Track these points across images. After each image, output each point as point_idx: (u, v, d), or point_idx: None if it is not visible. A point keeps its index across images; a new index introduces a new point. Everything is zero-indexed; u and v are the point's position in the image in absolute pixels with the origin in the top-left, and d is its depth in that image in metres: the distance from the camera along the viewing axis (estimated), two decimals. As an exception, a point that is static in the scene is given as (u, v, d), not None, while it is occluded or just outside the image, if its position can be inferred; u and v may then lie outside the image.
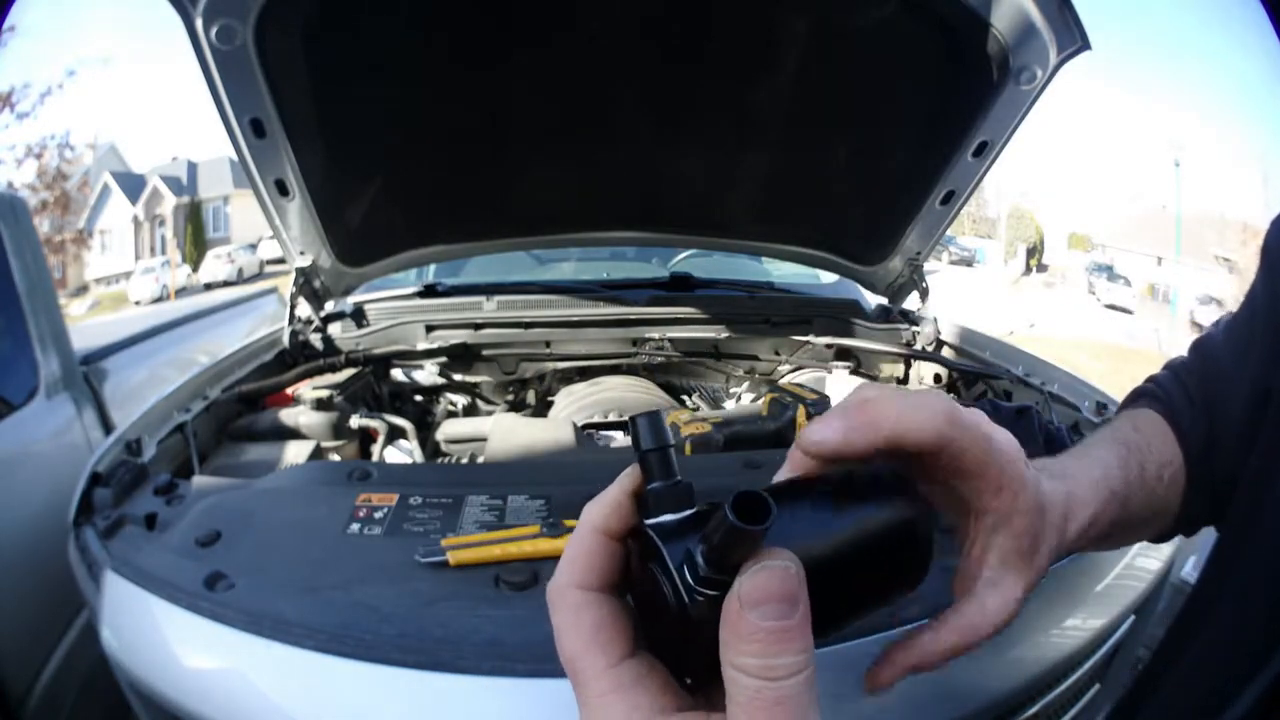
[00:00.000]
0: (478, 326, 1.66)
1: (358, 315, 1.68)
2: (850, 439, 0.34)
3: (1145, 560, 0.86)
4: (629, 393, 1.58)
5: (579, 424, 1.36)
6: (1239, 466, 0.47)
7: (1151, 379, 0.58)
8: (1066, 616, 0.76)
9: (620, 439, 1.40)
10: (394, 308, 1.70)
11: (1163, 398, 0.54)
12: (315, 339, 1.54)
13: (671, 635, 0.28)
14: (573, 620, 0.31)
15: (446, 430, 1.37)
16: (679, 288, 1.80)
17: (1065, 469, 0.43)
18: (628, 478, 0.32)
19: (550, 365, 1.72)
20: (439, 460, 1.35)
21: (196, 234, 18.47)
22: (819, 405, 1.23)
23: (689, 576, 0.27)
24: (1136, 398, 0.57)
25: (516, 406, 1.73)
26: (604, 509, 0.31)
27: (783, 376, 1.77)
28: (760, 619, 0.25)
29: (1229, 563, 0.47)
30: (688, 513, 0.29)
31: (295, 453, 1.19)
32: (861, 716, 0.61)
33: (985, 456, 0.36)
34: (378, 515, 0.82)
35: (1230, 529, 0.48)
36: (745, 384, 1.81)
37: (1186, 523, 0.51)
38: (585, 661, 0.29)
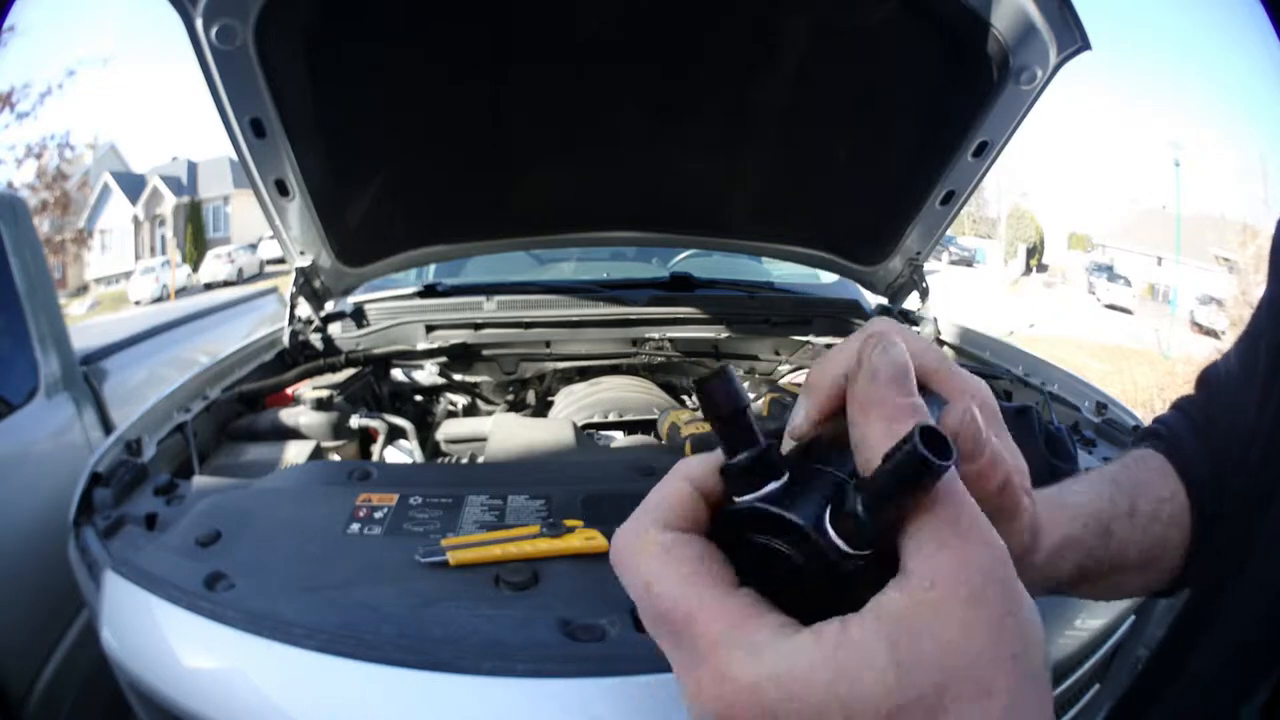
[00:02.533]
0: (478, 326, 1.66)
1: (358, 315, 1.68)
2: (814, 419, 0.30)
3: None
4: (629, 393, 1.58)
5: (579, 424, 1.36)
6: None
7: (1158, 419, 0.56)
8: (1067, 617, 0.76)
9: (620, 439, 1.40)
10: (394, 308, 1.70)
11: (1165, 435, 0.53)
12: (315, 339, 1.54)
13: (804, 605, 0.25)
14: (665, 561, 0.26)
15: (446, 430, 1.37)
16: (679, 288, 1.80)
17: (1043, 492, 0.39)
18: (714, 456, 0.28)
19: (550, 365, 1.72)
20: (439, 460, 1.35)
21: (196, 234, 18.46)
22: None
23: (837, 539, 0.24)
24: (1141, 438, 0.55)
25: (516, 406, 1.73)
26: (703, 465, 0.28)
27: (783, 376, 1.77)
28: None
29: (1234, 560, 0.46)
30: (780, 483, 0.26)
31: (295, 453, 1.19)
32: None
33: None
34: (378, 515, 0.82)
35: (1235, 525, 0.47)
36: (745, 384, 1.81)
37: (1196, 562, 0.48)
38: (695, 600, 0.25)
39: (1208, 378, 0.55)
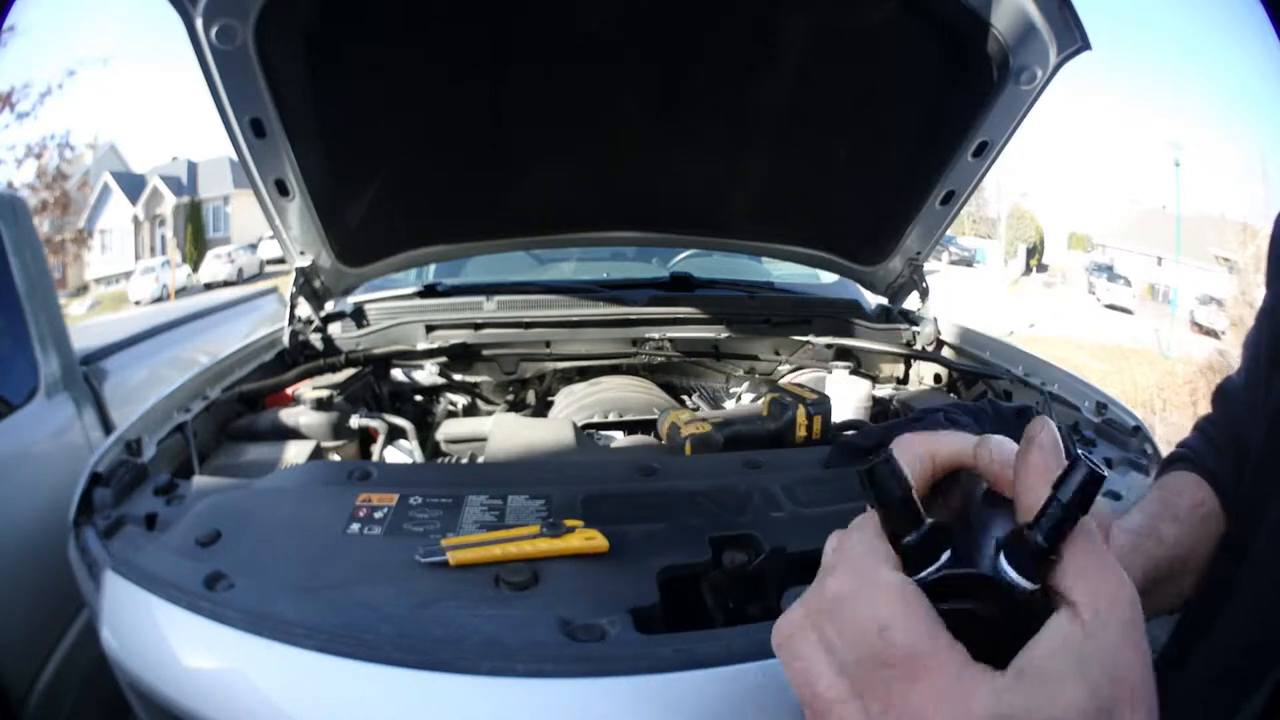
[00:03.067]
0: (478, 326, 1.66)
1: (358, 315, 1.68)
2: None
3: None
4: (629, 393, 1.58)
5: (579, 424, 1.35)
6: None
7: (1181, 443, 0.61)
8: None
9: (620, 439, 1.40)
10: (394, 308, 1.70)
11: (1190, 456, 0.57)
12: (315, 339, 1.54)
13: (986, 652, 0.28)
14: (906, 603, 0.28)
15: (446, 430, 1.37)
16: (679, 288, 1.80)
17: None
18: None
19: (550, 365, 1.72)
20: (439, 460, 1.35)
21: (196, 234, 18.47)
22: (819, 405, 1.23)
23: (1019, 579, 0.27)
24: (1168, 464, 0.60)
25: (516, 406, 1.73)
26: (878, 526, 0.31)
27: (783, 376, 1.77)
28: None
29: (1233, 562, 0.47)
30: (949, 552, 0.29)
31: (295, 453, 1.18)
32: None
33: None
34: (378, 515, 0.82)
35: (1236, 526, 0.48)
36: (745, 384, 1.81)
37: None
38: (939, 642, 0.27)
39: (1225, 391, 0.58)
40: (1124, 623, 0.26)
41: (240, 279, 16.24)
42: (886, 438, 0.94)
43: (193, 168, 19.41)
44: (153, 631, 0.69)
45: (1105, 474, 0.26)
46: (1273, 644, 0.43)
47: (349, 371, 1.50)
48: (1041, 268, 20.99)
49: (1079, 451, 0.28)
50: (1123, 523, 0.48)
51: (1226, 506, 0.52)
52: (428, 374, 1.64)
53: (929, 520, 0.29)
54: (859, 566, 0.30)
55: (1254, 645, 0.44)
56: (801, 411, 1.22)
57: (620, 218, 1.66)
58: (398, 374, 1.66)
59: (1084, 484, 0.27)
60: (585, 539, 0.75)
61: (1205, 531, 0.52)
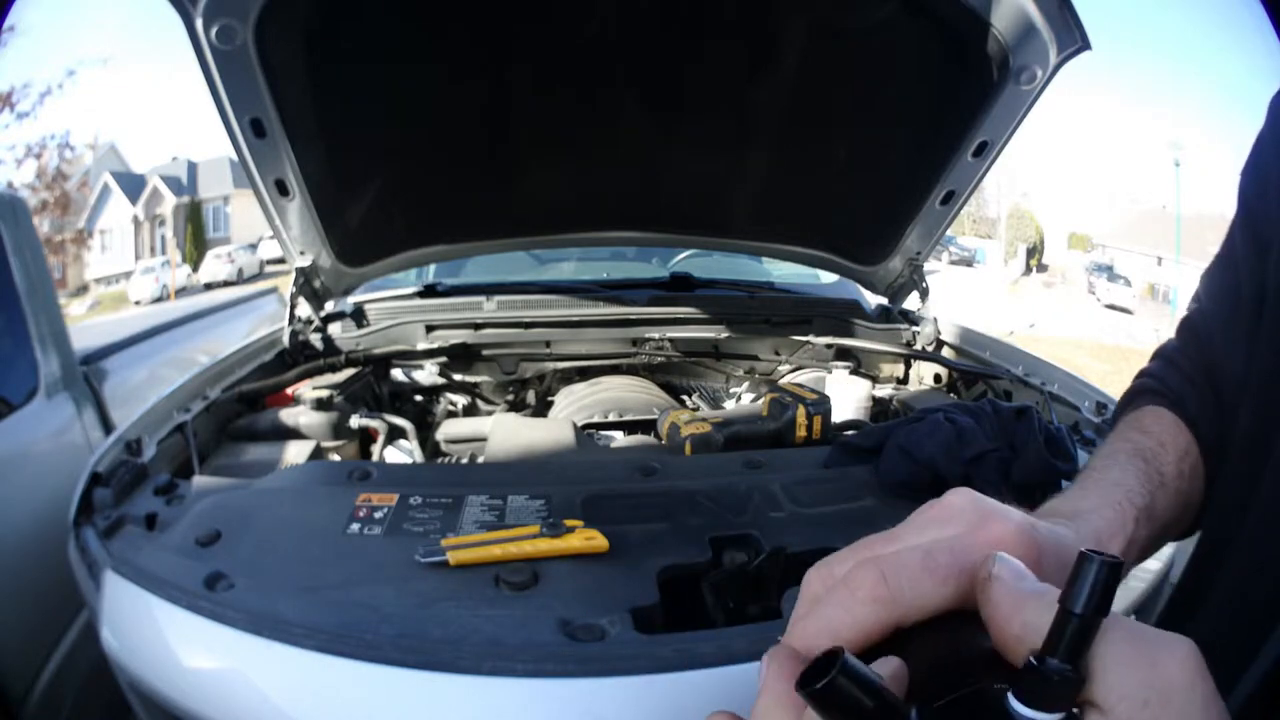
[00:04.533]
0: (478, 326, 1.66)
1: (358, 315, 1.68)
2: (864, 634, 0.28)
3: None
4: (629, 393, 1.58)
5: (579, 424, 1.35)
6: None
7: (1145, 373, 0.56)
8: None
9: (620, 439, 1.40)
10: (394, 308, 1.70)
11: (1162, 390, 0.53)
12: (315, 339, 1.54)
13: None
14: None
15: (446, 430, 1.37)
16: (679, 288, 1.80)
17: (1079, 507, 0.40)
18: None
19: (550, 365, 1.72)
20: (439, 460, 1.35)
21: (196, 234, 18.47)
22: (819, 405, 1.23)
23: (1042, 716, 0.23)
24: (1135, 395, 0.55)
25: (516, 406, 1.73)
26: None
27: (783, 376, 1.77)
28: None
29: (1236, 517, 0.45)
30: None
31: (295, 453, 1.18)
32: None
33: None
34: (378, 515, 0.82)
35: (1234, 479, 0.46)
36: (745, 384, 1.81)
37: (1208, 512, 0.50)
38: None
39: (1192, 324, 0.54)
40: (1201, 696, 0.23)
41: (240, 279, 16.24)
42: (886, 438, 0.94)
43: (193, 168, 19.42)
44: (153, 631, 0.69)
45: (1121, 559, 0.23)
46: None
47: (349, 371, 1.50)
48: (1041, 268, 21.00)
49: (1085, 550, 0.23)
50: (1109, 492, 0.42)
51: (1207, 454, 0.49)
52: (428, 374, 1.64)
53: (901, 704, 0.24)
54: None
55: (1262, 600, 0.42)
56: (801, 411, 1.22)
57: (620, 218, 1.66)
58: (398, 374, 1.66)
59: (1104, 582, 0.23)
60: (585, 539, 0.75)
61: (1193, 489, 0.48)
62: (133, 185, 18.55)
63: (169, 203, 18.58)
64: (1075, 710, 0.23)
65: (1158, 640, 0.24)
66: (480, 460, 1.28)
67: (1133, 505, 0.42)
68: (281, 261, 1.68)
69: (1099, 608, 0.23)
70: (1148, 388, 0.54)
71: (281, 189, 1.31)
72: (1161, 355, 0.56)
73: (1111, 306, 16.50)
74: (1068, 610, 0.23)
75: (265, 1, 1.03)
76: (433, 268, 2.05)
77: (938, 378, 1.66)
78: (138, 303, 14.70)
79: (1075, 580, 0.23)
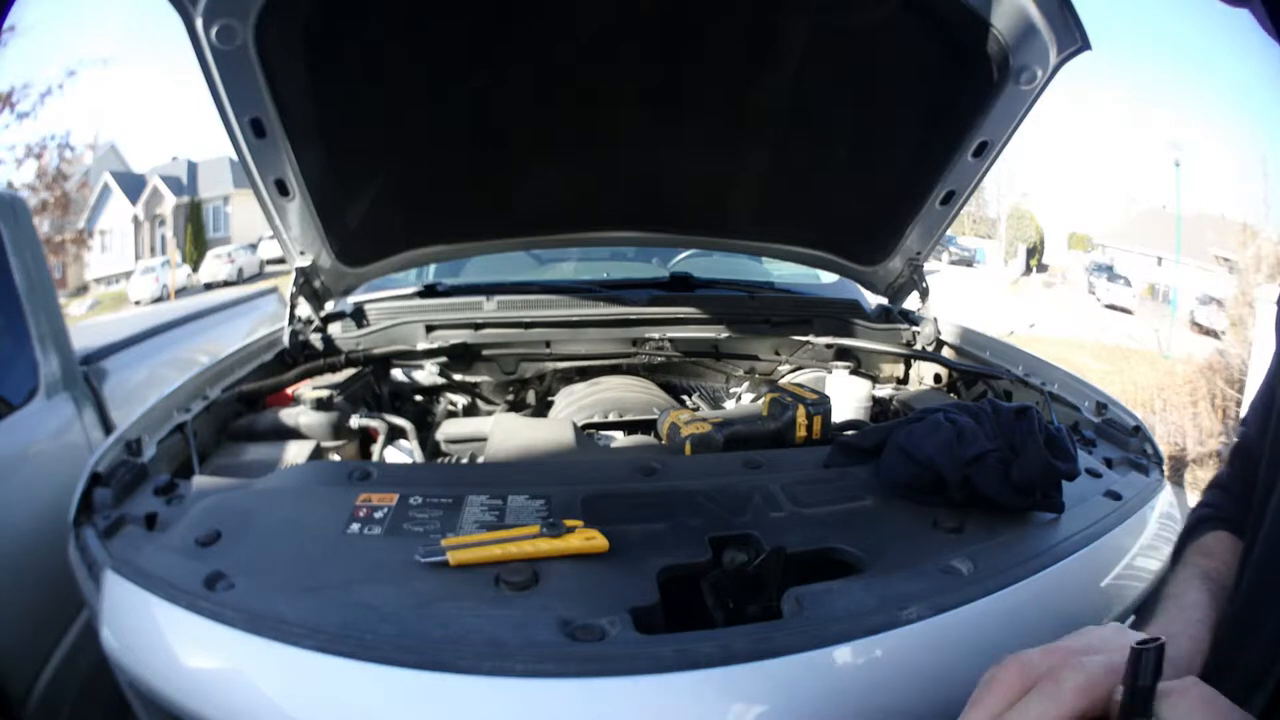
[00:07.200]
0: (478, 326, 1.66)
1: (358, 315, 1.67)
2: None
3: (1145, 560, 0.86)
4: (629, 393, 1.58)
5: (579, 424, 1.35)
6: None
7: (1203, 504, 0.63)
8: (1068, 617, 0.76)
9: (620, 439, 1.40)
10: (394, 308, 1.70)
11: (1219, 516, 0.59)
12: (315, 339, 1.54)
13: None
14: None
15: (446, 430, 1.37)
16: (679, 288, 1.80)
17: (1170, 631, 0.49)
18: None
19: (550, 365, 1.72)
20: (439, 460, 1.35)
21: (196, 234, 18.48)
22: (819, 405, 1.23)
23: None
24: (1197, 524, 0.62)
25: (516, 406, 1.73)
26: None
27: (783, 376, 1.77)
28: None
29: (1240, 566, 0.49)
30: None
31: (295, 453, 1.18)
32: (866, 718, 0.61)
33: None
34: (378, 515, 0.82)
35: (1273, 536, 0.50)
36: (745, 384, 1.81)
37: None
38: None
39: (1241, 448, 0.61)
40: None
41: (240, 279, 16.25)
42: (886, 438, 0.94)
43: (193, 168, 19.43)
44: (153, 631, 0.69)
45: (1163, 639, 0.32)
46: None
47: (349, 371, 1.50)
48: (1041, 268, 21.00)
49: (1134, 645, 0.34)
50: (1190, 614, 0.51)
51: None
52: (428, 374, 1.64)
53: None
54: None
55: (1269, 634, 0.45)
56: (801, 411, 1.22)
57: (620, 217, 1.66)
58: (398, 374, 1.66)
59: (1154, 659, 0.33)
60: (585, 539, 0.75)
61: None
62: (133, 185, 18.56)
63: (169, 203, 18.59)
64: None
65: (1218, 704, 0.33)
66: (480, 460, 1.28)
67: (1209, 627, 0.50)
68: (281, 261, 1.68)
69: (1155, 673, 0.33)
70: (1208, 516, 0.62)
71: (281, 189, 1.31)
72: (1217, 485, 0.64)
73: (1111, 306, 16.48)
74: (1133, 688, 0.34)
75: (265, 1, 1.03)
76: (433, 268, 2.05)
77: (938, 378, 1.66)
78: (138, 303, 14.69)
79: (1136, 666, 0.34)
